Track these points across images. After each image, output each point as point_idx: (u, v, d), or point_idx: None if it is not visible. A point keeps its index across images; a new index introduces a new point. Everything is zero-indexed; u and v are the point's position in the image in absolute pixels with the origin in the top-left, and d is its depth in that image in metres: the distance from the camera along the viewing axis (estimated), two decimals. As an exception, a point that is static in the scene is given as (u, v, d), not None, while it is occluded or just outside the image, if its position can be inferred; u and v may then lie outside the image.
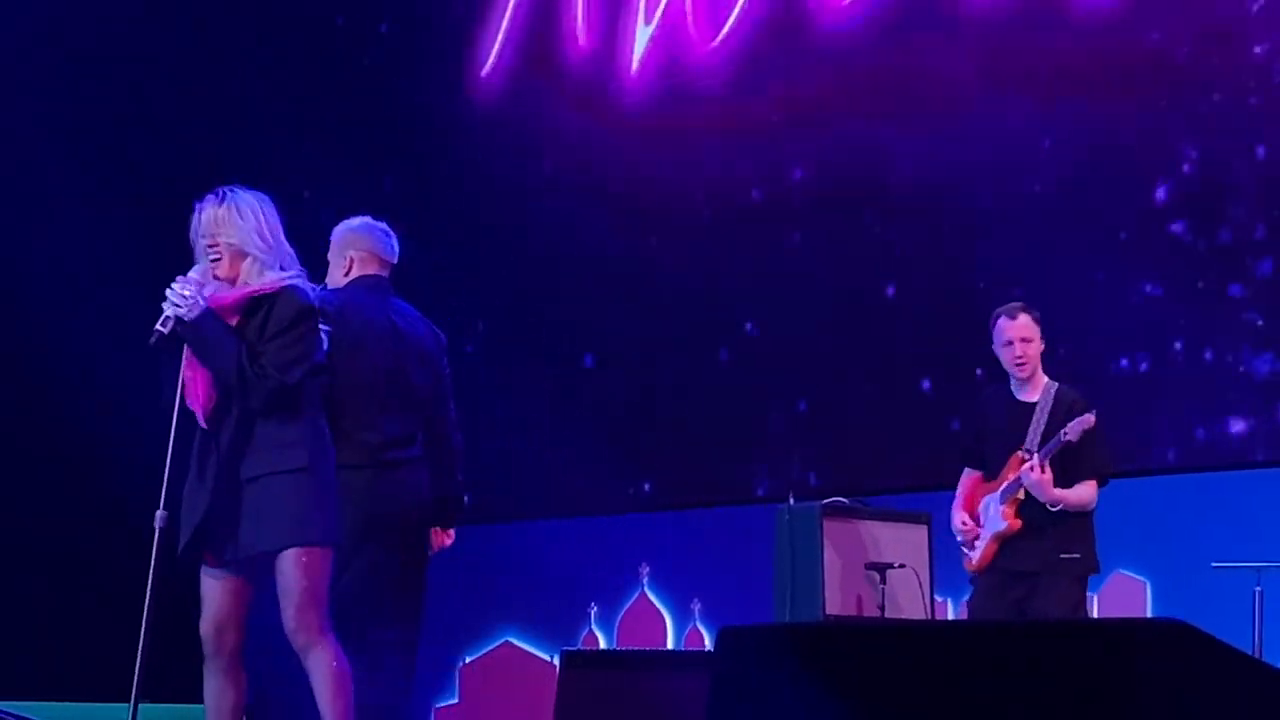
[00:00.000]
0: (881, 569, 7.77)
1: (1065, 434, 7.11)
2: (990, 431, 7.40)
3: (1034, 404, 7.31)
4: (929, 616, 7.80)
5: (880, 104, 9.35)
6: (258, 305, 5.88)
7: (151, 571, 5.84)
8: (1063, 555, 7.17)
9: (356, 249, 7.10)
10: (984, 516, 7.32)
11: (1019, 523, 7.19)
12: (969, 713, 3.45)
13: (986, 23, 9.01)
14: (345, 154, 11.00)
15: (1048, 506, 7.16)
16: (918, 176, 9.22)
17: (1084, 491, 7.19)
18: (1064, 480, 7.18)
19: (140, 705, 5.84)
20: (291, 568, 5.82)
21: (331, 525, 5.91)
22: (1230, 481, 7.95)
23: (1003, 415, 7.37)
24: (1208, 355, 8.37)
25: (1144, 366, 8.53)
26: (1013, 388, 7.38)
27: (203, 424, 5.86)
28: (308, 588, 5.84)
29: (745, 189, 9.77)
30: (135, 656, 5.80)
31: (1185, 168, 8.49)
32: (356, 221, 7.17)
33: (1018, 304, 7.40)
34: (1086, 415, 7.11)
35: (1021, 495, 7.18)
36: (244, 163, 9.88)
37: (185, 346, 5.85)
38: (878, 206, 9.34)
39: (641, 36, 10.16)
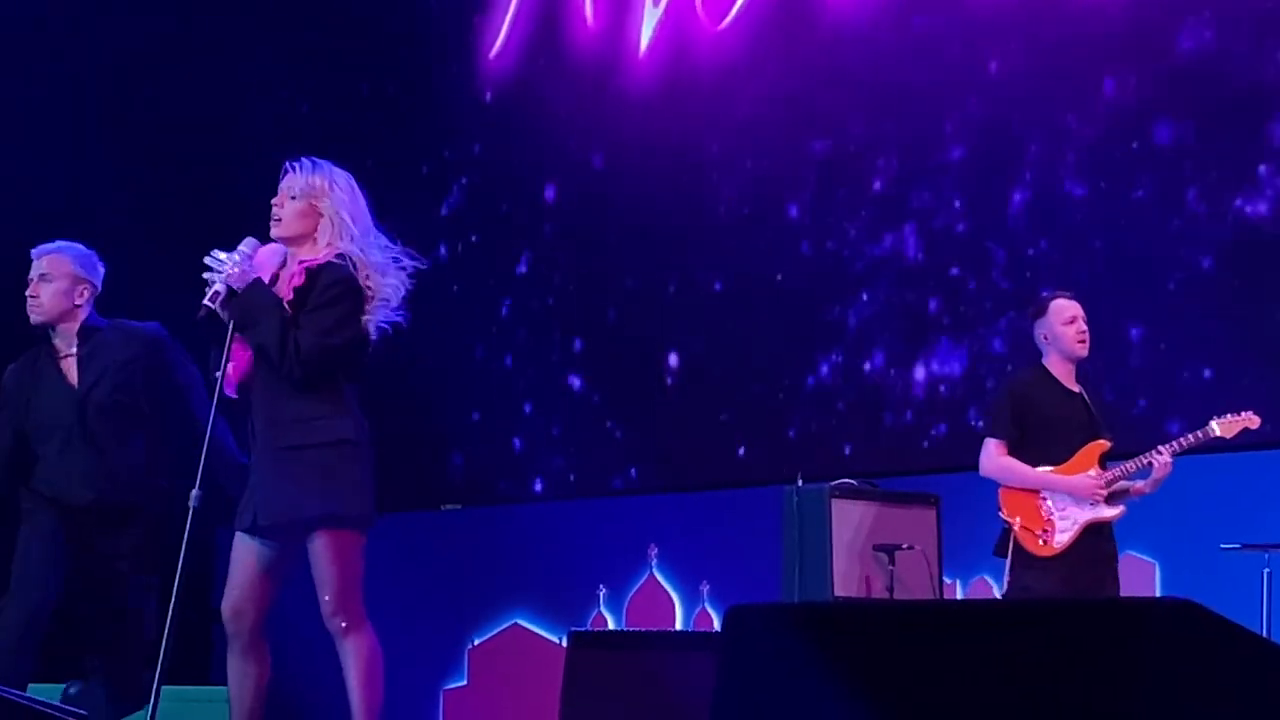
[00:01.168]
0: (890, 550, 7.77)
1: (1214, 431, 7.13)
2: (1045, 418, 7.32)
3: (1080, 394, 7.35)
4: (937, 598, 7.79)
5: (887, 88, 9.33)
6: (308, 279, 5.88)
7: (183, 552, 5.83)
8: (1112, 542, 7.31)
9: (94, 280, 7.00)
10: (1060, 503, 7.24)
11: (1124, 509, 7.25)
12: (978, 693, 3.45)
13: (994, 10, 9.00)
14: (351, 138, 11.00)
15: (1135, 495, 7.24)
16: (925, 162, 9.21)
17: None
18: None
19: (163, 687, 5.84)
20: (328, 550, 5.80)
21: (369, 504, 5.90)
22: (1239, 463, 7.93)
23: (1058, 403, 7.33)
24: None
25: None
26: (1058, 376, 7.35)
27: (231, 393, 5.86)
28: (346, 570, 5.82)
29: (753, 173, 9.76)
30: (163, 639, 5.80)
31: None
32: (84, 248, 7.00)
33: (1068, 291, 7.46)
34: (1252, 416, 7.15)
35: (1119, 486, 7.22)
36: (247, 146, 9.91)
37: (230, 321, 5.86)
38: (885, 188, 9.32)
39: (649, 18, 10.15)
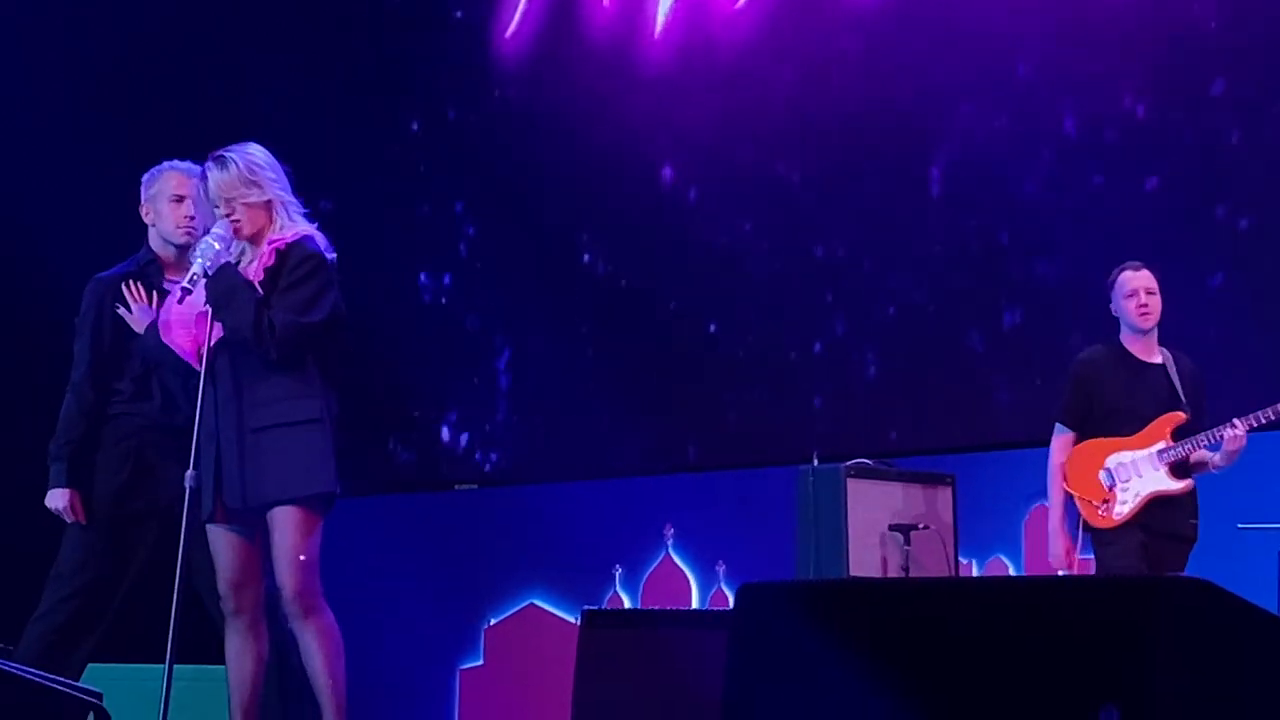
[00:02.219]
0: (905, 530, 7.75)
1: None
2: (1111, 394, 7.31)
3: (1161, 365, 7.32)
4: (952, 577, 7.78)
5: (904, 65, 9.30)
6: (278, 259, 5.91)
7: (183, 531, 5.84)
8: (1192, 521, 7.28)
9: None
10: (1124, 474, 7.24)
11: (1191, 484, 7.23)
12: (991, 669, 3.44)
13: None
14: (365, 117, 10.99)
15: (1214, 469, 7.22)
16: (943, 136, 9.18)
17: None
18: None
19: (174, 666, 5.84)
20: (292, 528, 5.81)
21: (332, 483, 5.91)
22: (1257, 442, 7.90)
23: (1127, 377, 7.32)
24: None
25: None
26: (1132, 350, 7.34)
27: (193, 363, 5.88)
28: (308, 549, 5.83)
29: (769, 151, 9.74)
30: (169, 617, 5.80)
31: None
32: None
33: (1137, 261, 7.39)
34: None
35: (1184, 458, 7.19)
36: (260, 126, 9.88)
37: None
38: (903, 166, 9.30)
39: (665, -1, 10.13)
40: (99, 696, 4.67)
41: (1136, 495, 7.21)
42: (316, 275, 5.88)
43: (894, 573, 7.71)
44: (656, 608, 9.25)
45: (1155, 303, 7.32)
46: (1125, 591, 3.48)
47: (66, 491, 6.59)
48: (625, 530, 9.89)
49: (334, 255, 6.02)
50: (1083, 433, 7.35)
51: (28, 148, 9.67)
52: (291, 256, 5.88)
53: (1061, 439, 7.39)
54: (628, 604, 9.71)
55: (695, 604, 9.54)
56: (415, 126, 10.98)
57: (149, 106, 10.16)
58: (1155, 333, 7.38)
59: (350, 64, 11.08)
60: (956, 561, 7.90)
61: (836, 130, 9.52)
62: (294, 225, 5.96)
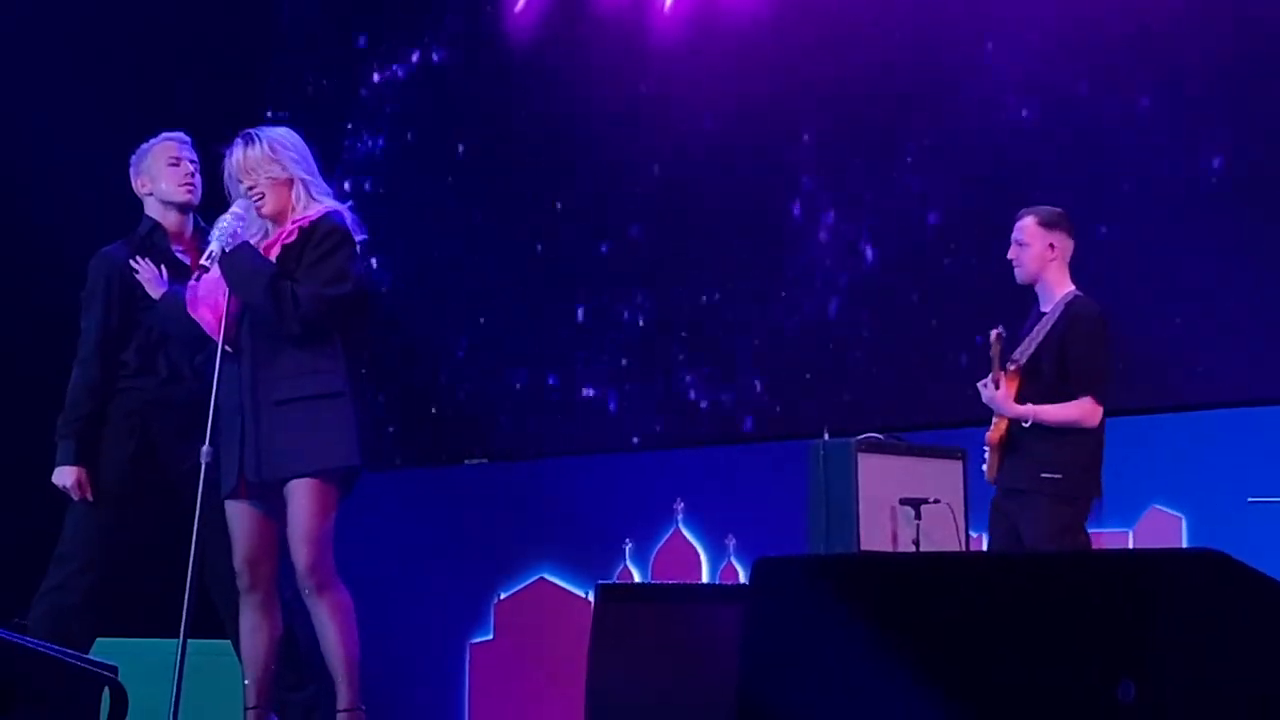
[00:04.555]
0: (916, 504, 7.76)
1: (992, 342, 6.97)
2: (1018, 343, 7.16)
3: (1049, 313, 7.08)
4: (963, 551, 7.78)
5: (917, 43, 9.29)
6: (301, 236, 5.92)
7: (198, 507, 5.85)
8: (1043, 474, 6.92)
9: None
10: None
11: (996, 436, 6.99)
12: (1004, 643, 3.45)
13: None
14: (372, 97, 10.98)
15: (1020, 423, 6.95)
16: (953, 112, 9.17)
17: (1068, 409, 6.90)
18: (1060, 396, 6.93)
19: (189, 640, 5.85)
20: (307, 502, 5.81)
21: (355, 456, 5.91)
22: (1268, 417, 7.90)
23: (1026, 329, 7.15)
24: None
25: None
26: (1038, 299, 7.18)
27: (216, 338, 5.88)
28: (323, 524, 5.83)
29: (779, 128, 9.73)
30: (183, 592, 5.81)
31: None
32: None
33: (1039, 208, 7.20)
34: (996, 329, 6.95)
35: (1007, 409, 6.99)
36: (269, 104, 9.89)
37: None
38: (913, 141, 9.28)
39: (675, -29, 10.11)
40: (114, 670, 4.68)
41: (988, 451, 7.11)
42: (342, 248, 5.90)
43: (905, 547, 7.72)
44: (668, 582, 9.27)
45: (1024, 255, 7.06)
46: (1139, 564, 3.48)
47: (75, 469, 6.59)
48: (635, 504, 9.90)
49: (363, 236, 6.03)
50: None
51: (27, 138, 9.67)
52: (317, 231, 5.89)
53: None
54: (638, 578, 9.73)
55: (705, 578, 9.55)
56: (423, 105, 10.97)
57: (148, 96, 10.16)
58: (1055, 282, 7.07)
59: (354, 49, 11.06)
60: (967, 536, 7.90)
61: (851, 101, 9.49)
62: (317, 204, 5.98)
